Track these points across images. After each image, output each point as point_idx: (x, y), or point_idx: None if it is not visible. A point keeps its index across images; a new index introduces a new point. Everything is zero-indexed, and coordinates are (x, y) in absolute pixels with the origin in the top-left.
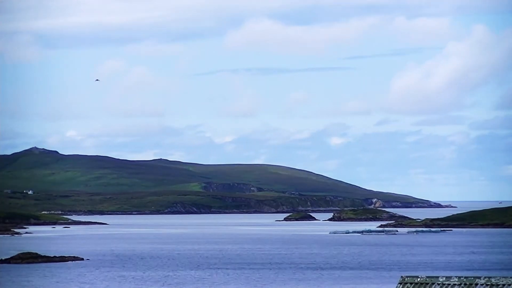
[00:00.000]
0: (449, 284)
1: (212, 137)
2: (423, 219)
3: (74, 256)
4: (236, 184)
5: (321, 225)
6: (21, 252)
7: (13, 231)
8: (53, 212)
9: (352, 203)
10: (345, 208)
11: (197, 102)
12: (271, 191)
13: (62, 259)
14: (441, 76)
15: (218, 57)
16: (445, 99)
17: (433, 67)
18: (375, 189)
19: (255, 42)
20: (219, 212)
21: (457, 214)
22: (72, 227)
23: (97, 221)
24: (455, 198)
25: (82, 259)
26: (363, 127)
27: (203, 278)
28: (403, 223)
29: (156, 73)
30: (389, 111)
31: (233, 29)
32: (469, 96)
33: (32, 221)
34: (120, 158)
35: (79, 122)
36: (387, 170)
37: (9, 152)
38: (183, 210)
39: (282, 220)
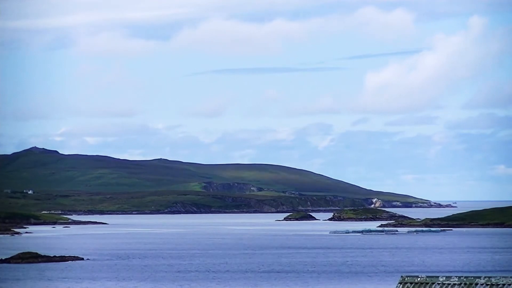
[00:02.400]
0: (449, 284)
1: (198, 136)
2: (423, 219)
3: (74, 256)
4: (236, 184)
5: (321, 225)
6: (21, 252)
7: (13, 230)
8: (53, 212)
9: (352, 203)
10: (345, 208)
11: (173, 103)
12: (271, 191)
13: (62, 259)
14: (422, 74)
15: (196, 57)
16: (427, 97)
17: (412, 65)
18: (371, 189)
19: (231, 42)
20: (219, 212)
21: (457, 214)
22: (72, 226)
23: (97, 221)
24: (450, 197)
25: (82, 258)
26: (344, 127)
27: (203, 280)
28: (403, 222)
29: (130, 72)
30: (366, 111)
31: (205, 29)
32: (452, 94)
33: (32, 220)
34: (120, 158)
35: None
36: (377, 170)
37: (9, 152)
38: (183, 210)
39: (282, 220)
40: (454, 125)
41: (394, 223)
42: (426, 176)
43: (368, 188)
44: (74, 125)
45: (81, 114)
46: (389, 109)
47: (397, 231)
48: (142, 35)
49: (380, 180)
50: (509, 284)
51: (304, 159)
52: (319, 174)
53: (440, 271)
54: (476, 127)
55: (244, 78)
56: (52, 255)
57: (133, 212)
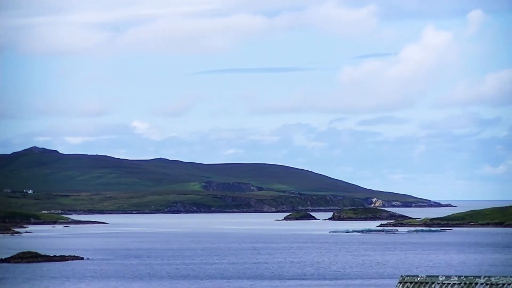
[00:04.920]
0: (449, 284)
1: (180, 136)
2: (423, 218)
3: (74, 256)
4: (236, 184)
5: (321, 225)
6: (21, 251)
7: (13, 230)
8: (53, 211)
9: (352, 203)
10: (345, 208)
11: (146, 102)
12: (271, 190)
13: (62, 258)
14: (404, 72)
15: (166, 58)
16: (411, 96)
17: (393, 63)
18: (371, 188)
19: (200, 43)
20: (219, 212)
21: (457, 213)
22: (72, 226)
23: (97, 221)
24: (439, 197)
25: (82, 258)
26: (323, 125)
27: (203, 280)
28: (403, 222)
29: (98, 72)
30: (344, 110)
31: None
32: (435, 94)
33: (32, 220)
34: (120, 158)
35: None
36: (363, 169)
37: (9, 151)
38: (183, 210)
39: (282, 220)
40: (438, 124)
41: (394, 222)
42: (414, 176)
43: (367, 187)
44: (52, 125)
45: (57, 114)
46: (371, 108)
47: (397, 230)
48: (111, 33)
49: (368, 179)
50: (509, 284)
51: (291, 157)
52: (319, 174)
53: (440, 271)
54: (461, 127)
55: (216, 78)
56: (52, 255)
57: (133, 212)
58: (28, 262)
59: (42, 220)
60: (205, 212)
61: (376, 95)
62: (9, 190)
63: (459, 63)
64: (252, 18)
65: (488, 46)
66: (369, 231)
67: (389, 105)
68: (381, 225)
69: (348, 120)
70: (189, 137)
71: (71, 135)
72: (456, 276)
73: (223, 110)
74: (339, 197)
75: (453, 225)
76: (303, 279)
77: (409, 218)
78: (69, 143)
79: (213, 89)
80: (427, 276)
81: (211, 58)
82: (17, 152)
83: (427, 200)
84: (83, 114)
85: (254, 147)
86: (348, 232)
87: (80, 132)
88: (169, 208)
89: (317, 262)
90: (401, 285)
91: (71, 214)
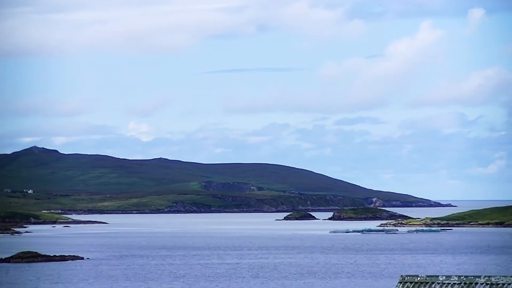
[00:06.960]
0: (449, 283)
1: (170, 136)
2: (423, 218)
3: (74, 255)
4: (236, 183)
5: (321, 224)
6: (21, 251)
7: (13, 230)
8: (53, 211)
9: (352, 202)
10: (345, 207)
11: (122, 102)
12: (271, 190)
13: (62, 258)
14: (391, 70)
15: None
16: (396, 95)
17: (379, 61)
18: (371, 188)
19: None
20: (219, 212)
21: (457, 213)
22: (72, 226)
23: (97, 220)
24: (433, 197)
25: (82, 258)
26: (307, 124)
27: (203, 280)
28: (403, 222)
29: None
30: (325, 110)
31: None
32: (422, 93)
33: (32, 220)
34: (120, 157)
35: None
36: (353, 168)
37: (9, 151)
38: (183, 210)
39: (282, 220)
40: (425, 123)
41: (394, 222)
42: (406, 175)
43: (367, 187)
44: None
45: (42, 113)
46: (357, 107)
47: (397, 230)
48: (86, 31)
49: (360, 179)
50: (509, 284)
51: (282, 157)
52: (319, 174)
53: (440, 271)
54: (449, 127)
55: (197, 78)
56: (52, 255)
57: (133, 212)
58: (28, 262)
59: (42, 220)
60: (205, 212)
61: (361, 94)
62: (9, 190)
63: (447, 62)
64: (232, 18)
65: (482, 45)
66: (369, 231)
67: (375, 104)
68: (381, 225)
69: (332, 120)
70: (176, 137)
71: (56, 135)
72: (456, 276)
73: (205, 109)
74: (339, 197)
75: (453, 225)
76: (303, 279)
77: (409, 218)
78: (56, 143)
79: (193, 89)
80: (427, 276)
81: (188, 58)
82: (17, 152)
83: (427, 200)
84: (65, 113)
85: (243, 147)
86: (348, 232)
87: (62, 132)
88: (169, 208)
89: (317, 262)
90: (401, 285)
91: (71, 214)
